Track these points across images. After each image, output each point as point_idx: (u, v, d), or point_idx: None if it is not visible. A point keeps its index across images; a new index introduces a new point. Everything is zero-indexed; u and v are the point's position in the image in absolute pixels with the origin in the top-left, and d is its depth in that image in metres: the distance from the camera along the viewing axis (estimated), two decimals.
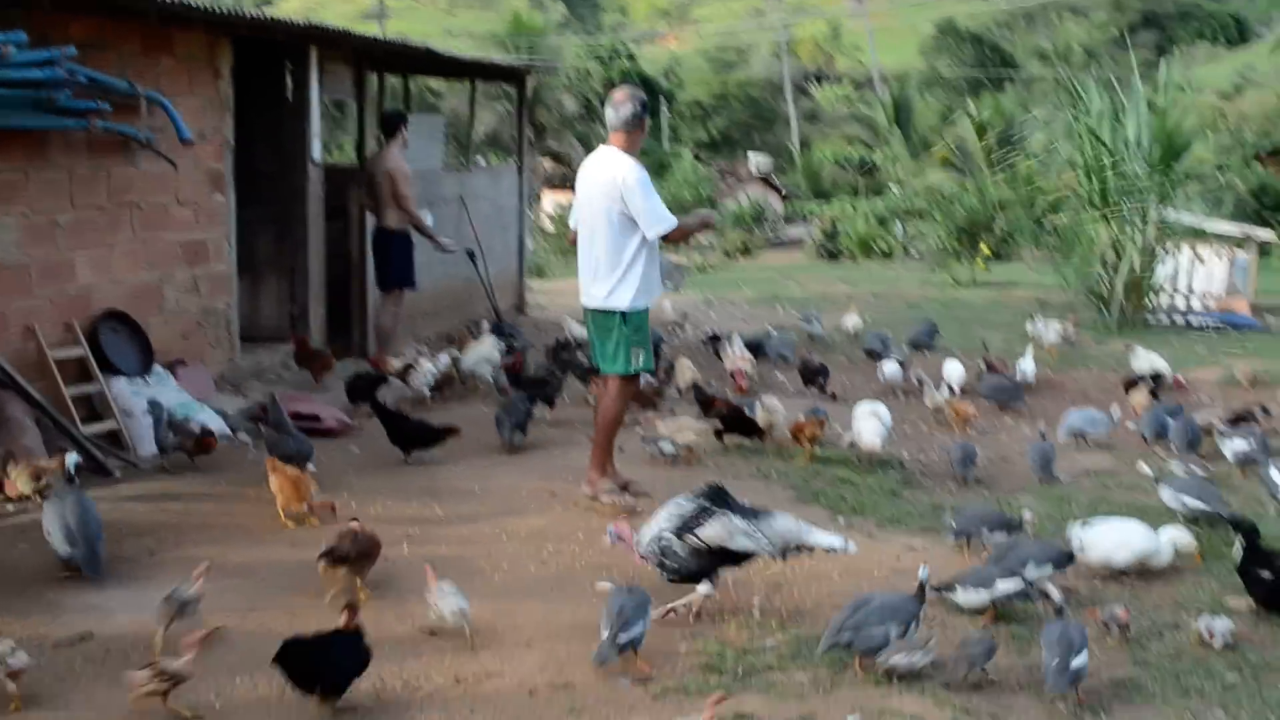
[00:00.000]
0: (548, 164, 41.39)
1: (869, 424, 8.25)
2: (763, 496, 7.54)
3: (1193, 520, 7.15)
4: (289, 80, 10.68)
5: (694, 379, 9.78)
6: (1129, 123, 14.82)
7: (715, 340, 12.02)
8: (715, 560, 5.55)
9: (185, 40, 8.84)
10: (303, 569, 5.99)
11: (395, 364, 10.27)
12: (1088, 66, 51.83)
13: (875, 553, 6.75)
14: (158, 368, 8.45)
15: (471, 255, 13.49)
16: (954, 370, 10.80)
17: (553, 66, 24.86)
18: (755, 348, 11.87)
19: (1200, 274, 17.14)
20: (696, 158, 41.98)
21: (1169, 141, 14.50)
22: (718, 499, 5.64)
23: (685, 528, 5.53)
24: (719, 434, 8.47)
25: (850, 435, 8.51)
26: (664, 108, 53.92)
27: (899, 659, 5.06)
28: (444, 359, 10.46)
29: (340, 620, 4.70)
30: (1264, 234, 17.73)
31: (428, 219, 11.05)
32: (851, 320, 14.63)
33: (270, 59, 10.42)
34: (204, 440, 7.57)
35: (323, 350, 10.40)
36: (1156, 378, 10.77)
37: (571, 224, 7.53)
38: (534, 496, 7.42)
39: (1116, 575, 6.47)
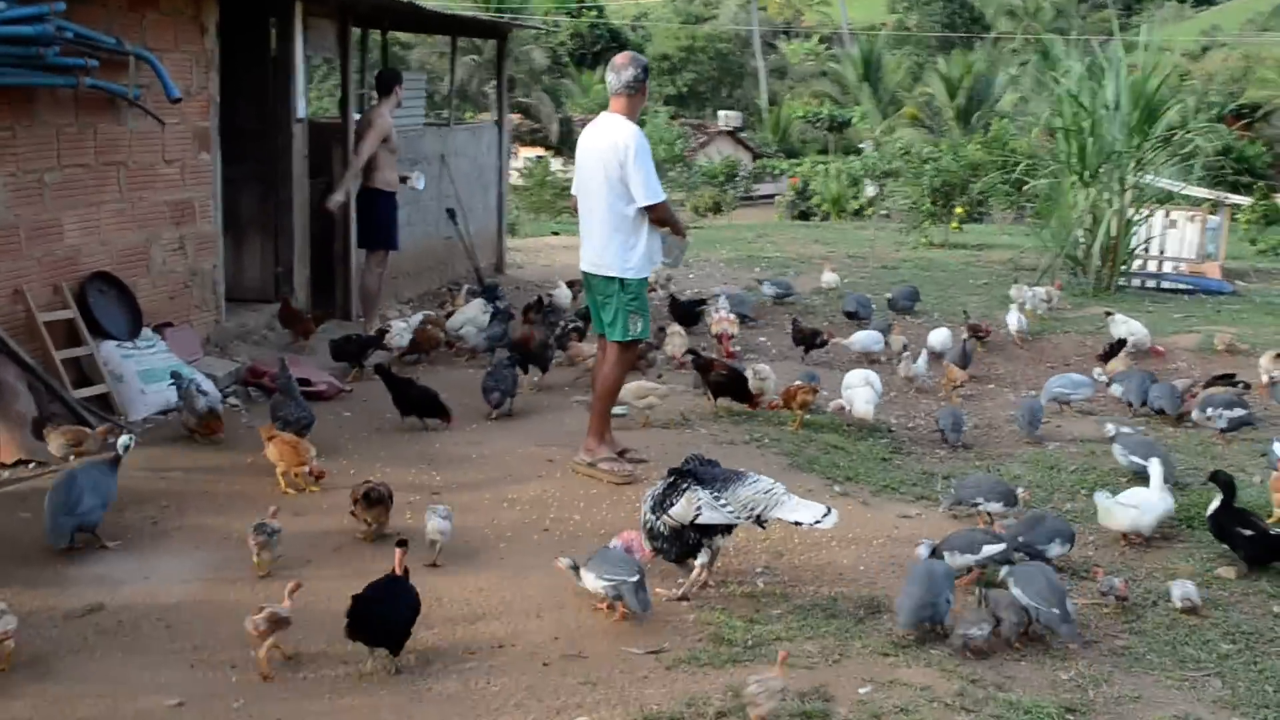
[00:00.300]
0: (516, 119, 41.12)
1: (861, 392, 8.29)
2: (757, 464, 7.57)
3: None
4: (273, 36, 10.49)
5: (687, 344, 9.78)
6: (1108, 86, 14.85)
7: (672, 302, 12.05)
8: (698, 534, 5.56)
9: None
10: (305, 538, 5.99)
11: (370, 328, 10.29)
12: (1057, 25, 52.06)
13: (872, 521, 6.82)
14: (146, 330, 8.34)
15: (452, 214, 13.42)
16: (939, 337, 10.84)
17: (537, 26, 24.53)
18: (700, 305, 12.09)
19: (1173, 238, 17.28)
20: (671, 115, 41.76)
21: (1148, 106, 14.54)
22: (686, 473, 5.63)
23: (660, 508, 5.57)
24: (714, 397, 8.49)
25: (840, 402, 8.56)
26: None
27: (973, 631, 5.17)
28: (416, 318, 10.40)
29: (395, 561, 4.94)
30: (1235, 198, 17.85)
31: (419, 181, 10.94)
32: (829, 278, 14.67)
33: (254, 14, 10.24)
34: (207, 423, 7.43)
35: (304, 312, 10.32)
36: (1121, 343, 10.89)
37: (573, 190, 7.47)
38: (531, 462, 7.42)
39: (1113, 541, 6.62)
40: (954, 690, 4.84)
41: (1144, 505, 6.56)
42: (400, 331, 9.90)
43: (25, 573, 5.44)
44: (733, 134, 43.35)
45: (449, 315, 10.84)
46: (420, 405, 8.03)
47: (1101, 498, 6.64)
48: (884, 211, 29.44)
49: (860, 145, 43.69)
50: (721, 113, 45.14)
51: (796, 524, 5.61)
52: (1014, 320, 12.18)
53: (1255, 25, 57.49)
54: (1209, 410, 8.83)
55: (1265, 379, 10.25)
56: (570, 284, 12.35)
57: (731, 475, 5.67)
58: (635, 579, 5.16)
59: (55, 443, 6.59)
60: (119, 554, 5.66)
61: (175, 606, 5.18)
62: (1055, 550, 5.97)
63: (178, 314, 9.00)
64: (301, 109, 10.33)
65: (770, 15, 67.45)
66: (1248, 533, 6.31)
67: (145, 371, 7.99)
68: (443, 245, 13.54)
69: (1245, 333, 12.41)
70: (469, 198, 13.88)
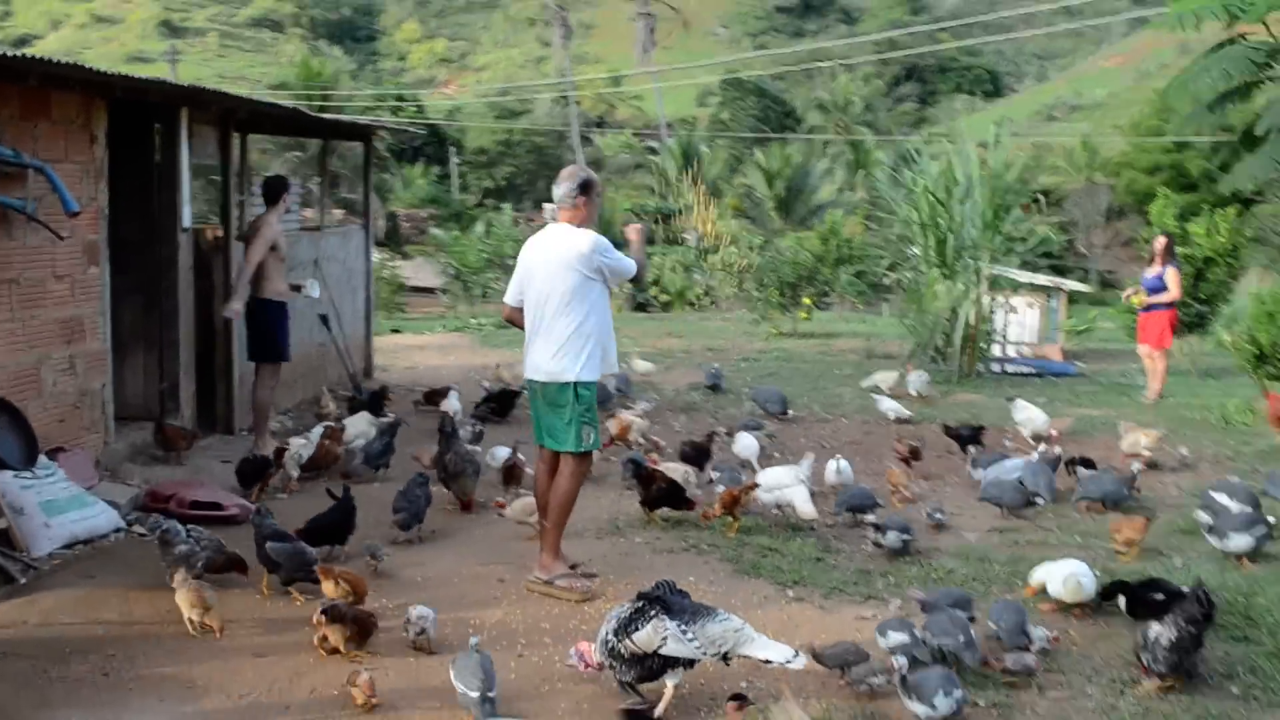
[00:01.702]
0: (340, 214, 40.42)
1: (799, 491, 8.30)
2: (701, 572, 7.52)
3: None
4: (156, 143, 10.08)
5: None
6: (961, 183, 15.52)
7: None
8: (658, 664, 5.42)
9: (63, 103, 8.24)
10: (275, 684, 5.60)
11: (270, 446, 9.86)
12: (865, 118, 54.51)
13: (833, 625, 6.77)
14: (42, 458, 7.77)
15: (325, 320, 13.03)
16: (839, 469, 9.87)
17: (405, 129, 24.39)
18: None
19: (1014, 324, 18.09)
20: (515, 209, 41.77)
21: (999, 200, 15.27)
22: (655, 600, 5.50)
23: (623, 631, 5.42)
24: (651, 509, 8.38)
25: (774, 500, 8.53)
26: (453, 156, 53.68)
27: (875, 679, 5.71)
28: (316, 432, 10.01)
29: None
30: (1071, 284, 18.83)
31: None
32: (642, 366, 15.03)
33: (137, 121, 9.82)
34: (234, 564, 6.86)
35: (170, 424, 9.76)
36: (979, 430, 11.30)
37: (508, 300, 7.36)
38: (482, 583, 7.14)
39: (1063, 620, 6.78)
40: None
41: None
42: (300, 448, 9.48)
43: None
44: None
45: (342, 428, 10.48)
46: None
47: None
48: (710, 302, 30.03)
49: (684, 235, 44.55)
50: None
51: (766, 662, 5.54)
52: (891, 408, 12.53)
53: (1042, 116, 61.36)
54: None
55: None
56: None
57: (701, 609, 5.54)
58: (476, 694, 5.10)
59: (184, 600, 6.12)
60: (82, 716, 5.17)
61: None
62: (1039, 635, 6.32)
63: (68, 437, 8.45)
64: (187, 218, 9.91)
65: (584, 109, 68.65)
66: (1159, 597, 6.52)
67: (48, 503, 7.43)
68: (316, 352, 13.13)
69: (1109, 414, 13.01)
70: (340, 302, 13.52)
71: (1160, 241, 13.89)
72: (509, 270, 26.83)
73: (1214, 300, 17.26)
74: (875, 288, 22.88)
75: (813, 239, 23.31)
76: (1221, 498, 8.49)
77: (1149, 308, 13.92)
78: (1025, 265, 18.23)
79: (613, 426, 10.89)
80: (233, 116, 10.67)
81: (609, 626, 5.49)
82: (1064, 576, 6.84)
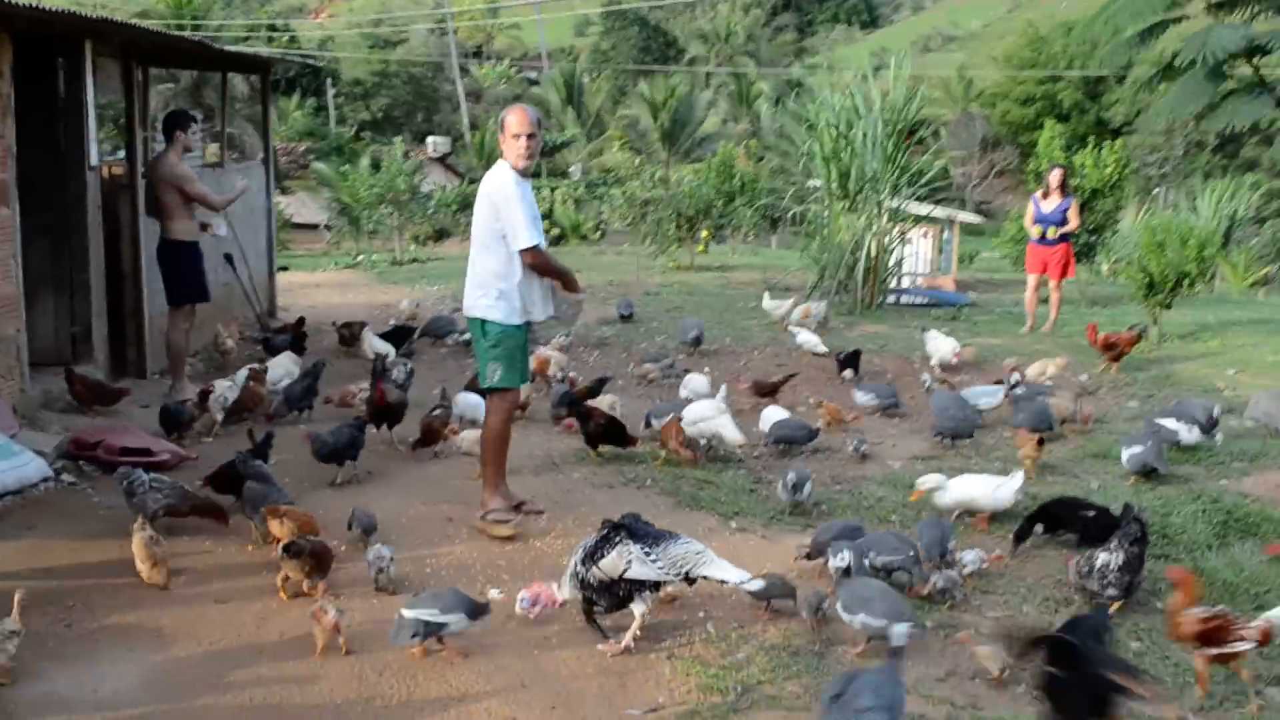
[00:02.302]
0: (216, 149, 39.26)
1: (725, 421, 8.46)
2: (643, 505, 7.61)
3: None
4: (60, 79, 9.68)
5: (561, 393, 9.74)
6: (863, 116, 15.71)
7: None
8: (628, 588, 5.57)
9: None
10: (243, 630, 5.57)
11: (191, 389, 9.67)
12: (747, 48, 54.52)
13: (777, 553, 6.95)
14: None
15: (230, 259, 12.75)
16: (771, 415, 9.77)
17: (309, 62, 23.65)
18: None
19: (908, 255, 18.45)
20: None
21: (899, 133, 15.49)
22: (620, 527, 5.66)
23: (590, 559, 5.58)
24: (592, 445, 8.46)
25: (698, 433, 8.66)
26: (329, 88, 52.34)
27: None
28: (241, 375, 9.83)
29: None
30: (965, 216, 19.25)
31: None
32: None
33: (39, 55, 9.41)
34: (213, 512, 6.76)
35: (82, 378, 9.42)
36: (855, 354, 11.68)
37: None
38: (431, 523, 7.14)
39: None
40: (942, 715, 5.06)
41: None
42: (225, 390, 9.31)
43: None
44: (442, 160, 43.08)
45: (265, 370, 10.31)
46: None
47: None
48: (600, 236, 29.99)
49: (569, 168, 44.34)
50: (430, 139, 44.71)
51: (723, 582, 5.73)
52: (809, 340, 12.70)
53: (918, 46, 62.15)
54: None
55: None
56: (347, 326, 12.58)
57: (664, 534, 5.73)
58: (411, 614, 5.28)
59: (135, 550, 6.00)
60: (53, 669, 5.08)
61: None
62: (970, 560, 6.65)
63: None
64: (94, 155, 9.58)
65: (461, 39, 67.44)
66: (1090, 514, 6.88)
67: None
68: (221, 292, 12.81)
69: (1009, 343, 13.43)
70: (243, 241, 13.21)
71: (1057, 174, 14.27)
72: (402, 206, 26.42)
73: (1101, 230, 17.83)
74: (769, 221, 23.07)
75: (707, 171, 23.30)
76: (1169, 422, 8.86)
77: (1060, 238, 14.32)
78: (918, 198, 18.57)
79: (531, 362, 10.89)
80: (135, 50, 10.29)
81: (577, 557, 5.64)
82: (1013, 484, 7.15)
